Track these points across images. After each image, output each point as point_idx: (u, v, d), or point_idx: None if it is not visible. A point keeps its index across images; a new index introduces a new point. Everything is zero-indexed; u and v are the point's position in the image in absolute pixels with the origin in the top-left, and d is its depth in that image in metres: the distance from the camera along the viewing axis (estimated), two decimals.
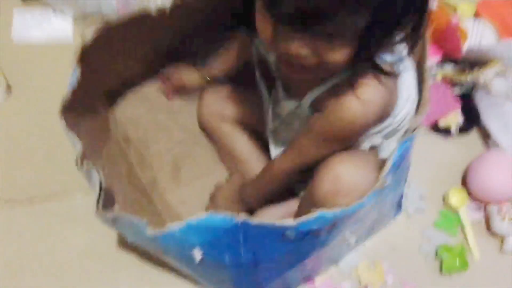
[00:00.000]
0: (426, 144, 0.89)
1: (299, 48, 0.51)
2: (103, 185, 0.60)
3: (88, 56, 0.65)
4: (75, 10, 0.95)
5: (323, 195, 0.62)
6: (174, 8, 0.69)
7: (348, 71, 0.58)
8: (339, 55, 0.51)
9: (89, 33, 0.64)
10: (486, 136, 0.88)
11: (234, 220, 0.56)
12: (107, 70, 0.77)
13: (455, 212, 0.82)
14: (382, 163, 0.61)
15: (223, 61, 0.82)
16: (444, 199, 0.84)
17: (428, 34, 0.68)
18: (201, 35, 0.81)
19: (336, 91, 0.59)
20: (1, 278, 0.75)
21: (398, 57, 0.59)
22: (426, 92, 0.63)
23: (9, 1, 0.97)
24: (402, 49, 0.59)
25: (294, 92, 0.66)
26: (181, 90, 0.87)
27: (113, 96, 0.86)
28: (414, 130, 0.62)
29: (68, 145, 0.78)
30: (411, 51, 0.57)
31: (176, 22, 0.74)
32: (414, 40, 0.54)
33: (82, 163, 0.61)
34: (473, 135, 0.90)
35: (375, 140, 0.67)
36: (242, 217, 0.56)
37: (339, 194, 0.61)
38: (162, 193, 0.82)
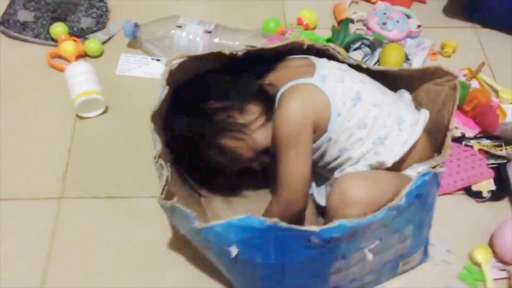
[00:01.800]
0: (458, 205, 0.97)
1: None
2: (169, 180, 0.74)
3: (173, 78, 0.82)
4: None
5: (333, 206, 0.75)
6: (243, 54, 0.85)
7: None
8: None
9: (174, 63, 0.81)
10: None
11: (266, 222, 0.67)
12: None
13: (479, 268, 0.88)
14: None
15: None
16: (470, 255, 0.89)
17: (455, 107, 0.80)
18: None
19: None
20: (66, 259, 0.89)
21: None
22: (448, 140, 0.76)
23: (118, 46, 1.21)
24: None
25: None
26: None
27: None
28: (434, 167, 0.72)
29: (145, 155, 0.94)
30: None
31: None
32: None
33: (158, 160, 0.76)
34: (504, 203, 0.97)
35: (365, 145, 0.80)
36: (273, 220, 0.67)
37: (345, 206, 0.73)
38: (214, 209, 0.94)
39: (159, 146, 0.77)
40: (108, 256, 0.89)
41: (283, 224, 0.67)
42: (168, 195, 0.74)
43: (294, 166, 0.78)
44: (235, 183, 0.96)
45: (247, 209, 0.93)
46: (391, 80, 0.88)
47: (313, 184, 0.89)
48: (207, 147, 0.83)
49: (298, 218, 0.82)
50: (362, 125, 0.80)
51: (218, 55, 0.84)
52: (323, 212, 0.88)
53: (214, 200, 0.95)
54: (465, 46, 1.23)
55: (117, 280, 0.87)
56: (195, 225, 0.70)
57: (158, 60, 1.19)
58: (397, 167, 0.80)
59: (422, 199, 0.75)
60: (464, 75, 1.15)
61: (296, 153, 0.78)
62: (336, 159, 0.82)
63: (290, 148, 0.78)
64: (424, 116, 0.83)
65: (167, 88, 0.80)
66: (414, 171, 0.80)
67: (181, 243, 0.89)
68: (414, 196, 0.73)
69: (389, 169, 0.80)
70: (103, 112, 1.08)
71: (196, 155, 0.85)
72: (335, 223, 0.67)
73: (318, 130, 0.80)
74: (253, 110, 0.83)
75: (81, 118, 1.07)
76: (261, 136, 0.83)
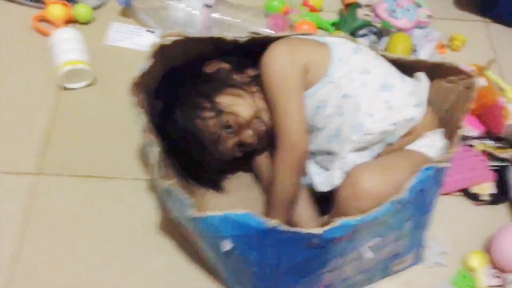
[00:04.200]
0: (456, 207, 0.93)
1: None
2: (162, 156, 0.69)
3: (162, 52, 0.77)
4: (164, 31, 1.09)
5: (343, 198, 0.71)
6: (246, 41, 0.81)
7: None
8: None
9: (168, 39, 0.76)
10: None
11: (267, 224, 0.63)
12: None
13: (473, 273, 0.85)
14: None
15: None
16: (464, 259, 0.86)
17: (471, 106, 0.78)
18: None
19: None
20: (43, 238, 0.84)
21: None
22: (456, 138, 0.73)
23: (109, 13, 1.14)
24: None
25: None
26: None
27: None
28: (439, 162, 0.69)
29: (132, 133, 0.89)
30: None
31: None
32: None
33: (147, 134, 0.71)
34: (503, 207, 0.93)
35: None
36: (274, 222, 0.63)
37: (357, 198, 0.69)
38: (204, 196, 0.90)
39: (144, 119, 0.72)
40: (87, 239, 0.84)
41: (284, 228, 0.62)
42: (163, 173, 0.70)
43: (288, 107, 0.76)
44: (222, 177, 0.92)
45: (240, 199, 0.90)
46: (400, 70, 0.84)
47: (310, 170, 0.84)
48: (205, 110, 0.79)
49: (302, 166, 0.79)
50: (364, 71, 0.78)
51: (218, 40, 0.78)
52: (319, 198, 0.84)
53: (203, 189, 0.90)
54: (475, 40, 1.19)
55: (96, 264, 0.82)
56: (190, 213, 0.66)
57: (152, 32, 1.12)
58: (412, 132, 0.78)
59: (424, 195, 0.72)
60: (472, 71, 1.10)
61: (286, 94, 0.76)
62: (340, 111, 0.77)
63: (280, 90, 0.76)
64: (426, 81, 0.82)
65: (152, 60, 0.75)
66: (428, 140, 0.78)
67: (166, 229, 0.85)
68: (417, 191, 0.69)
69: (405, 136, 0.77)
70: (90, 84, 1.02)
71: (192, 130, 0.80)
72: (338, 222, 0.63)
73: (316, 73, 0.78)
74: (251, 73, 0.83)
75: (66, 89, 1.01)
76: (259, 96, 0.81)
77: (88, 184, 0.90)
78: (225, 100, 0.80)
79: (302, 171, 0.80)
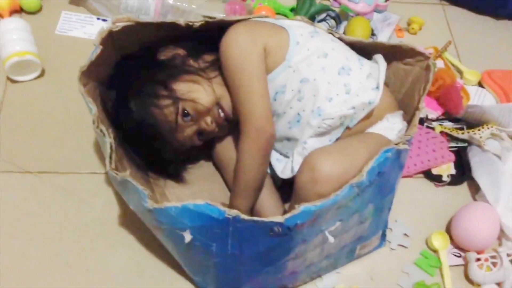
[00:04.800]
0: (417, 188, 0.93)
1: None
2: (113, 147, 0.66)
3: (113, 39, 0.74)
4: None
5: (303, 184, 0.69)
6: (201, 25, 0.78)
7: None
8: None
9: (118, 25, 0.73)
10: (475, 189, 0.92)
11: (226, 213, 0.61)
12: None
13: (436, 254, 0.85)
14: None
15: None
16: (427, 241, 0.87)
17: (429, 87, 0.77)
18: None
19: None
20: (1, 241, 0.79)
21: None
22: (416, 119, 0.73)
23: (58, 2, 1.08)
24: None
25: None
26: None
27: None
28: (398, 144, 0.69)
29: (85, 126, 0.85)
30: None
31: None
32: None
33: (98, 125, 0.68)
34: (463, 187, 0.94)
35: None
36: (234, 212, 0.61)
37: (316, 183, 0.67)
38: (163, 187, 0.87)
39: (94, 109, 0.69)
40: (43, 237, 0.80)
41: (244, 217, 0.60)
42: (117, 165, 0.68)
43: (251, 91, 0.74)
44: (182, 167, 0.89)
45: (202, 190, 0.88)
46: (358, 53, 0.83)
47: (271, 157, 0.81)
48: (161, 98, 0.76)
49: (269, 151, 0.77)
50: (321, 54, 0.77)
51: (172, 25, 0.75)
52: (282, 185, 0.83)
53: (163, 181, 0.87)
54: (432, 23, 1.19)
55: (53, 262, 0.78)
56: (147, 205, 0.63)
57: (104, 20, 1.07)
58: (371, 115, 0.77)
59: (384, 178, 0.71)
60: (430, 54, 1.11)
61: (249, 76, 0.74)
62: (299, 96, 0.76)
63: (242, 72, 0.74)
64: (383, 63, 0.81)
65: (100, 48, 0.72)
66: (387, 123, 0.77)
67: (125, 223, 0.82)
68: (376, 174, 0.68)
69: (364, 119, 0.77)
70: (39, 76, 0.97)
71: (148, 120, 0.77)
72: (299, 209, 0.62)
73: (275, 57, 0.76)
74: (208, 59, 0.80)
75: (13, 81, 0.96)
76: (217, 81, 0.78)
77: (41, 180, 0.85)
78: (182, 87, 0.77)
79: (268, 156, 0.78)
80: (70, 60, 1.00)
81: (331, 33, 0.83)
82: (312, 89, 0.76)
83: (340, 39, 0.83)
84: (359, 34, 1.08)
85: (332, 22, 1.13)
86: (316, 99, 0.75)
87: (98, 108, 0.72)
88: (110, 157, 0.65)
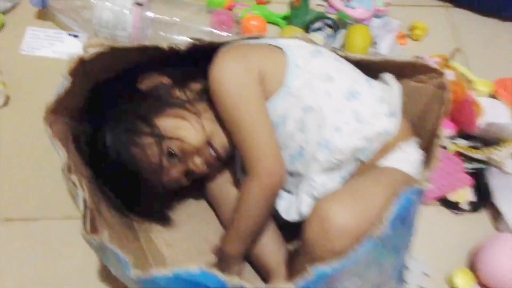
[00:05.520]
0: (433, 218, 0.84)
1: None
2: (89, 204, 0.56)
3: (84, 66, 0.63)
4: (90, 34, 0.93)
5: (313, 239, 0.58)
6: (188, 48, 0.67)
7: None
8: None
9: (89, 51, 0.62)
10: (496, 216, 0.83)
11: (228, 284, 0.51)
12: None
13: None
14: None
15: None
16: (449, 279, 0.78)
17: (448, 109, 0.69)
18: None
19: None
20: None
21: None
22: (436, 150, 0.63)
23: (23, 17, 0.96)
24: None
25: None
26: None
27: None
28: (421, 183, 0.60)
29: (56, 164, 0.74)
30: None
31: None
32: None
33: (68, 174, 0.58)
34: (483, 214, 0.85)
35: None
36: (236, 281, 0.51)
37: (330, 238, 0.57)
38: (149, 232, 0.76)
39: (64, 155, 0.59)
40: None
41: (248, 286, 0.50)
42: (94, 223, 0.57)
43: (253, 126, 0.64)
44: (169, 206, 0.78)
45: (194, 231, 0.78)
46: (362, 70, 0.74)
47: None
48: (143, 136, 0.66)
49: (276, 195, 0.68)
50: (325, 77, 0.67)
51: (153, 49, 0.64)
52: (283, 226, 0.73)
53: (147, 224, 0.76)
54: (436, 28, 1.10)
55: None
56: (131, 275, 0.52)
57: (75, 36, 0.96)
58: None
59: (406, 222, 0.62)
60: (437, 63, 1.02)
61: (248, 111, 0.64)
62: (302, 127, 0.66)
63: (239, 107, 0.64)
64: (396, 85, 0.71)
65: (70, 80, 0.61)
66: (402, 153, 0.68)
67: (107, 276, 0.71)
68: (399, 221, 0.59)
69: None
70: (2, 105, 0.85)
71: (127, 160, 0.66)
72: (312, 273, 0.51)
73: (272, 83, 0.66)
74: (195, 87, 0.71)
75: None
76: (208, 115, 0.68)
77: (7, 229, 0.74)
78: (167, 123, 0.66)
79: (274, 201, 0.68)
80: (38, 85, 0.88)
81: (335, 51, 0.73)
82: (317, 119, 0.66)
83: (345, 57, 0.73)
84: (360, 43, 0.99)
85: (329, 30, 1.03)
86: (322, 129, 0.65)
87: (69, 150, 0.62)
88: (84, 217, 0.54)
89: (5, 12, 0.95)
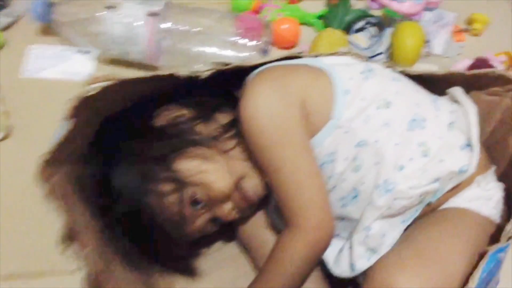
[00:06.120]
0: None
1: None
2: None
3: (90, 106, 0.52)
4: (102, 52, 0.83)
5: None
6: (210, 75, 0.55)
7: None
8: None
9: (94, 86, 0.50)
10: None
11: None
12: None
13: None
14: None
15: None
16: None
17: None
18: None
19: None
20: None
21: None
22: None
23: (24, 34, 0.86)
24: None
25: None
26: None
27: None
28: (510, 238, 0.48)
29: None
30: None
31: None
32: None
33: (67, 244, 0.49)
34: None
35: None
36: None
37: None
38: (171, 282, 0.65)
39: (63, 216, 0.50)
40: None
41: None
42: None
43: (297, 173, 0.53)
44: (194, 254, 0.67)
45: (224, 282, 0.66)
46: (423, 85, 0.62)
47: None
48: (160, 182, 0.55)
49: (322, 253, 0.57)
50: (382, 103, 0.55)
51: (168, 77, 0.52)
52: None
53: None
54: (498, 20, 0.95)
55: None
56: None
57: (86, 52, 0.84)
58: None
59: (492, 283, 0.51)
60: (502, 62, 0.87)
61: (290, 154, 0.53)
62: (355, 166, 0.54)
63: (279, 150, 0.53)
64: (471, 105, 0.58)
65: (72, 122, 0.50)
66: (479, 190, 0.56)
67: None
68: (485, 285, 0.48)
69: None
70: (3, 138, 0.75)
71: (143, 210, 0.56)
72: None
73: (317, 116, 0.55)
74: (222, 120, 0.59)
75: None
76: (238, 154, 0.57)
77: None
78: (189, 166, 0.55)
79: (318, 259, 0.56)
80: (43, 112, 0.77)
81: (390, 66, 0.59)
82: (374, 155, 0.53)
83: (403, 72, 0.60)
84: (411, 44, 0.85)
85: (374, 30, 0.89)
86: (380, 168, 0.52)
87: (72, 201, 0.51)
88: None
89: (4, 29, 0.85)
